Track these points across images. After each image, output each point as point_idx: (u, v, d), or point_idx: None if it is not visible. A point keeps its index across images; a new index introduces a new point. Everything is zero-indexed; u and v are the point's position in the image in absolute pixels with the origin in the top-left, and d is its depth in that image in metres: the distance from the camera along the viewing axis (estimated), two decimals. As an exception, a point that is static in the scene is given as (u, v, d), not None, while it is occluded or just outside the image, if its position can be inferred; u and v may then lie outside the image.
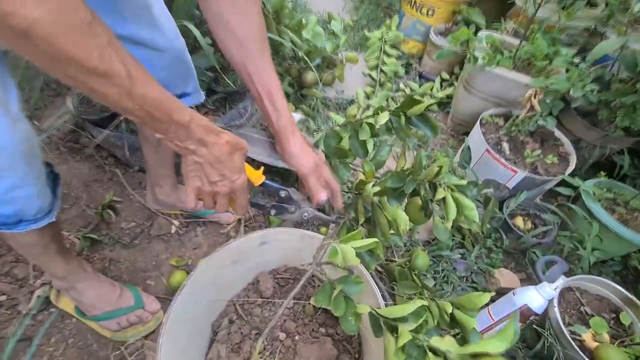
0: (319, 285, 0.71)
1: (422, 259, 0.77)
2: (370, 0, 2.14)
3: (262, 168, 0.59)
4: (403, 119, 0.64)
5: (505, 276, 0.99)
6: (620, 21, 1.21)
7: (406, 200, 0.70)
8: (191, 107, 0.75)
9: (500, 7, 1.59)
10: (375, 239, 0.51)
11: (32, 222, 0.56)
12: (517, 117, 1.11)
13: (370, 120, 0.66)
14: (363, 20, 1.97)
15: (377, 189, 0.62)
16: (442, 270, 1.01)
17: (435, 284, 1.00)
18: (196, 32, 0.82)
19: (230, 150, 0.48)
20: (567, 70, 1.13)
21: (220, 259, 0.62)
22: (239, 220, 1.10)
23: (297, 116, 1.15)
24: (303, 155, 0.65)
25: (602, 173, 1.06)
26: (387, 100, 1.45)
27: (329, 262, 0.51)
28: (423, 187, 0.64)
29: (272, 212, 0.62)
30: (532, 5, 1.15)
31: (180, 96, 0.72)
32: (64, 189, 1.09)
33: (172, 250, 1.03)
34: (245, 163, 0.54)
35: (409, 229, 1.00)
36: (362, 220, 0.67)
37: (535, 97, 1.02)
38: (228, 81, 1.07)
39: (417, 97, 0.67)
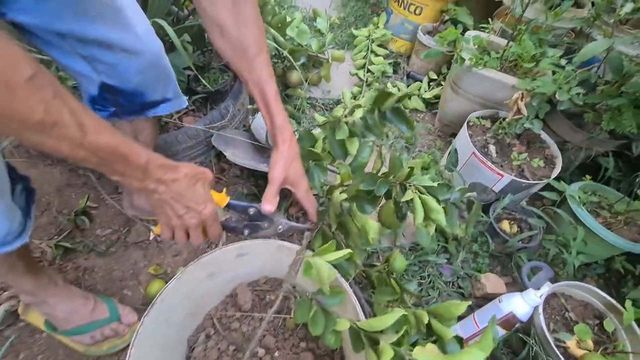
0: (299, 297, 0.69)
1: (399, 260, 0.75)
2: (358, -3, 2.10)
3: (225, 189, 0.58)
4: (377, 114, 0.62)
5: (491, 281, 0.98)
6: (606, 22, 1.20)
7: (380, 203, 0.68)
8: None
9: (488, 6, 1.58)
10: (349, 250, 0.49)
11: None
12: (504, 119, 1.10)
13: (348, 119, 0.64)
14: (350, 17, 1.94)
15: (344, 195, 0.60)
16: (428, 275, 1.00)
17: (421, 290, 0.99)
18: (170, 30, 0.78)
19: (190, 182, 0.48)
20: (553, 73, 1.12)
21: (194, 273, 0.59)
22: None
23: None
24: (279, 162, 0.61)
25: (587, 177, 1.06)
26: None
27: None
28: (395, 189, 0.62)
29: (246, 232, 0.60)
30: (520, 5, 1.13)
31: (160, 102, 0.70)
32: (34, 195, 1.04)
33: (151, 258, 0.99)
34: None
35: (391, 234, 0.98)
36: (334, 227, 0.65)
37: (522, 100, 1.01)
38: (204, 82, 1.03)
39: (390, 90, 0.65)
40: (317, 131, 0.88)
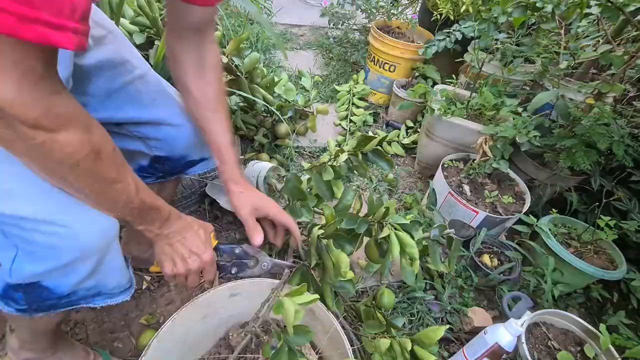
0: (291, 336, 0.71)
1: (387, 296, 0.79)
2: (339, 57, 2.33)
3: (213, 233, 0.63)
4: (360, 156, 0.70)
5: (478, 315, 1.01)
6: (553, 75, 1.38)
7: (362, 241, 0.74)
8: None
9: (453, 63, 1.79)
10: (316, 296, 0.55)
11: (108, 297, 0.58)
12: (474, 161, 1.20)
13: (333, 162, 0.72)
14: (333, 74, 2.14)
15: (321, 231, 0.66)
16: (417, 312, 1.02)
17: (411, 327, 1.00)
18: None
19: (196, 228, 0.57)
20: (513, 118, 1.27)
21: (188, 315, 0.62)
22: (214, 271, 1.09)
23: (268, 164, 1.20)
24: (241, 200, 0.68)
25: (554, 210, 1.15)
26: (356, 147, 1.54)
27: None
28: (373, 227, 0.69)
29: (233, 270, 0.65)
30: (477, 64, 1.31)
31: (199, 161, 0.78)
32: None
33: (143, 307, 0.99)
34: None
35: (376, 271, 1.02)
36: (313, 263, 0.70)
37: (485, 144, 1.12)
38: None
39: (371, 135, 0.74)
40: (304, 177, 0.96)
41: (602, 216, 1.02)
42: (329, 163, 0.78)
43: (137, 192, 0.47)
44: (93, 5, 0.58)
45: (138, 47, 1.09)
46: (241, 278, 0.68)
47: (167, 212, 0.53)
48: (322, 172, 0.78)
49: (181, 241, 0.55)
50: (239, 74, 1.13)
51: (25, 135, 0.35)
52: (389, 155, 1.63)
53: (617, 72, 1.07)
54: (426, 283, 1.10)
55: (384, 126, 1.80)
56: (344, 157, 0.73)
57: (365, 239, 0.80)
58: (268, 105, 1.23)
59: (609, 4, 0.92)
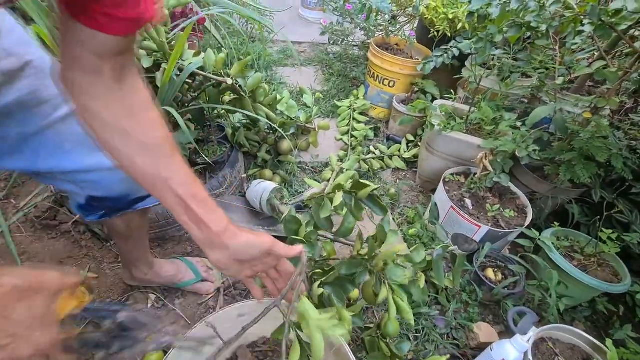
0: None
1: (392, 325, 0.79)
2: (339, 73, 2.38)
3: (84, 286, 0.44)
4: (354, 200, 0.72)
5: (483, 330, 1.00)
6: (550, 89, 1.41)
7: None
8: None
9: (452, 78, 1.82)
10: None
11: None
12: (475, 175, 1.22)
13: (331, 196, 0.73)
14: (333, 90, 2.17)
15: (321, 290, 0.66)
16: (423, 328, 1.02)
17: (417, 344, 1.00)
18: (176, 115, 0.92)
19: (20, 298, 0.35)
20: (512, 133, 1.29)
21: (197, 336, 0.63)
22: (218, 289, 1.09)
23: (272, 185, 1.21)
24: (221, 268, 0.53)
25: (556, 223, 1.16)
26: (358, 162, 1.56)
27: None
28: (373, 277, 0.70)
29: (114, 347, 0.45)
30: (474, 80, 1.34)
31: (147, 196, 0.70)
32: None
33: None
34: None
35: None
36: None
37: (486, 159, 1.14)
38: (202, 155, 1.16)
39: (365, 181, 0.75)
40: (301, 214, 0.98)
41: (603, 229, 1.03)
42: (327, 198, 0.79)
43: None
44: (7, 27, 0.50)
45: (145, 70, 1.12)
46: (130, 355, 0.47)
47: None
48: (321, 207, 0.79)
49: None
50: (242, 93, 1.16)
51: None
52: (391, 171, 1.65)
53: (612, 86, 1.10)
54: (431, 298, 1.10)
55: (385, 140, 1.82)
56: (339, 198, 0.74)
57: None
58: (271, 123, 1.26)
59: (601, 22, 0.95)
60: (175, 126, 1.26)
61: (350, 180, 0.78)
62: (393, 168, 1.66)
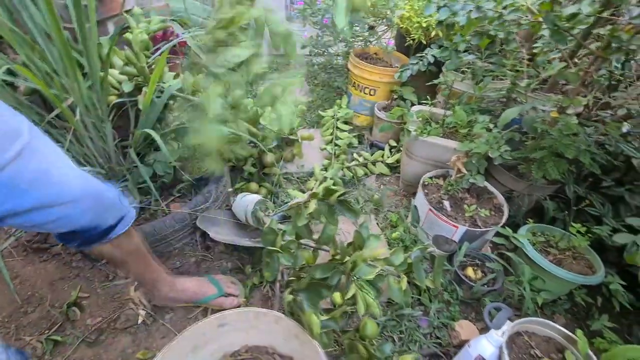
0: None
1: (370, 327, 0.82)
2: (323, 83, 2.44)
3: None
4: (326, 207, 0.75)
5: (465, 328, 1.03)
6: (521, 90, 1.46)
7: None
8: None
9: (430, 83, 1.88)
10: None
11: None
12: (452, 177, 1.26)
13: (308, 205, 0.77)
14: (318, 100, 2.23)
15: (290, 297, 0.69)
16: (406, 329, 1.05)
17: (402, 344, 1.03)
18: (156, 137, 0.96)
19: None
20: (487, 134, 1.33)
21: (179, 347, 0.66)
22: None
23: (256, 197, 1.25)
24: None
25: (530, 220, 1.20)
26: (342, 169, 1.60)
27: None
28: (342, 279, 0.74)
29: None
30: (447, 86, 1.39)
31: (118, 222, 0.74)
32: (28, 291, 1.10)
33: (139, 342, 1.02)
34: None
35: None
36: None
37: (459, 161, 1.18)
38: (183, 173, 1.20)
39: (335, 186, 0.79)
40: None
41: (573, 223, 1.07)
42: (303, 208, 0.83)
43: None
44: None
45: (127, 94, 1.17)
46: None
47: None
48: (297, 217, 0.83)
49: None
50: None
51: None
52: (375, 177, 1.69)
53: (575, 86, 1.15)
54: (414, 299, 1.13)
55: (369, 147, 1.87)
56: (313, 204, 0.78)
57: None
58: (252, 139, 1.30)
59: (556, 27, 1.00)
60: (157, 147, 1.31)
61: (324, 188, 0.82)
62: (377, 174, 1.70)
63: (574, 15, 1.05)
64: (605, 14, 1.04)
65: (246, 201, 1.26)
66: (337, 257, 0.81)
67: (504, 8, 1.07)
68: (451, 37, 1.37)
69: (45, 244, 1.17)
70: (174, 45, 1.47)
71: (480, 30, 1.10)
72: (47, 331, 1.01)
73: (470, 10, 1.14)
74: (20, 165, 0.52)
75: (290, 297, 0.68)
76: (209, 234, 1.17)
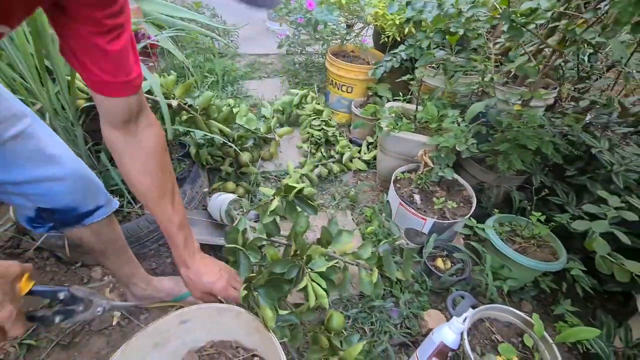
0: (244, 358, 0.76)
1: (335, 319, 0.84)
2: (304, 82, 2.45)
3: (28, 274, 0.52)
4: (286, 202, 0.78)
5: (433, 317, 1.06)
6: (489, 84, 1.50)
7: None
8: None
9: (405, 79, 1.90)
10: None
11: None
12: (421, 171, 1.29)
13: (273, 203, 0.79)
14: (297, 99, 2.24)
15: (245, 292, 0.71)
16: (377, 320, 1.08)
17: (373, 335, 1.06)
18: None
19: None
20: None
21: (138, 345, 0.67)
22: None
23: (230, 196, 1.27)
24: (189, 287, 0.75)
25: (496, 210, 1.23)
26: (317, 167, 1.62)
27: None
28: (301, 273, 0.76)
29: (57, 319, 0.57)
30: (416, 83, 1.41)
31: (94, 210, 0.79)
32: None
33: (114, 344, 1.03)
34: None
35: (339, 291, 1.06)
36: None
37: (425, 155, 1.21)
38: None
39: (293, 184, 0.81)
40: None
41: (533, 212, 1.10)
42: (270, 206, 0.85)
43: None
44: None
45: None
46: (71, 324, 0.63)
47: None
48: (262, 215, 0.85)
49: None
50: (193, 113, 1.21)
51: None
52: (352, 172, 1.72)
53: (535, 80, 1.18)
54: (386, 291, 1.15)
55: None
56: (275, 203, 0.80)
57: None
58: (224, 139, 1.32)
59: (513, 23, 1.03)
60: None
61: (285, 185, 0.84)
62: (354, 170, 1.73)
63: (533, 11, 1.09)
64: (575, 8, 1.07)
65: (220, 200, 1.28)
66: (298, 252, 0.83)
67: (472, 3, 1.09)
68: (412, 36, 1.40)
69: (18, 249, 1.18)
70: (146, 47, 1.48)
71: (442, 27, 1.13)
72: (20, 335, 1.01)
73: (431, 9, 1.17)
74: (21, 143, 0.62)
75: (244, 292, 0.70)
76: (183, 234, 1.18)
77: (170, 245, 0.74)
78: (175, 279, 1.09)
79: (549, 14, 1.11)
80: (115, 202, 0.86)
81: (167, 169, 0.71)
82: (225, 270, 0.80)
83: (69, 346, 1.01)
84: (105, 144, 0.66)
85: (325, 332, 0.87)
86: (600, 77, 1.70)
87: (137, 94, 0.61)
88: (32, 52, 0.94)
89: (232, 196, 1.28)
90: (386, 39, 1.90)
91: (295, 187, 0.79)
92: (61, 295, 0.58)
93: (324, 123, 1.77)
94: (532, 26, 1.05)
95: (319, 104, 1.98)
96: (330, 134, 1.74)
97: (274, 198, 0.86)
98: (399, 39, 1.87)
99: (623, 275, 0.94)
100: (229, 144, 1.32)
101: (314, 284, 0.72)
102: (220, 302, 0.75)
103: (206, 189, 1.41)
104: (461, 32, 1.09)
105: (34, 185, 0.66)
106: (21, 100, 0.97)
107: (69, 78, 1.04)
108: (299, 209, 0.85)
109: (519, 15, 1.05)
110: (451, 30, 1.09)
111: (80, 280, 1.16)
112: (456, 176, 1.34)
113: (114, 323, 1.07)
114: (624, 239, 0.93)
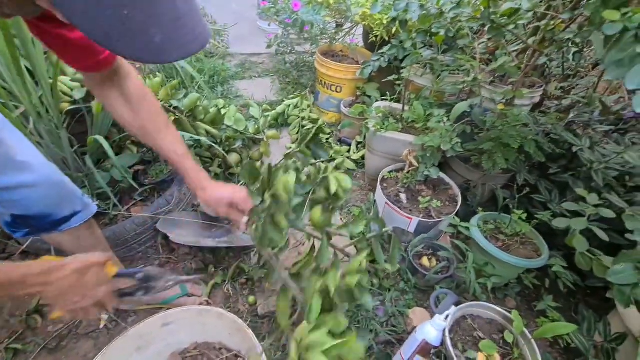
0: (227, 358, 0.77)
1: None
2: (294, 82, 2.45)
3: (110, 262, 0.64)
4: (304, 147, 0.79)
5: (417, 315, 1.08)
6: (475, 84, 1.51)
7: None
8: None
9: (393, 79, 1.91)
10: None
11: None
12: (406, 171, 1.30)
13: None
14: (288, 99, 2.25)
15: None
16: (363, 319, 1.09)
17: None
18: (105, 144, 0.97)
19: (80, 275, 0.57)
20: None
21: (120, 348, 0.68)
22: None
23: None
24: (212, 204, 0.78)
25: (480, 209, 1.25)
26: (306, 167, 1.62)
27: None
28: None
29: (139, 294, 0.68)
30: (403, 84, 1.42)
31: (71, 216, 0.79)
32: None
33: (101, 347, 1.02)
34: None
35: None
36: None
37: (410, 155, 1.22)
38: (135, 179, 1.20)
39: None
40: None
41: (515, 210, 1.12)
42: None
43: None
44: None
45: (78, 101, 1.17)
46: (148, 299, 0.73)
47: (14, 276, 0.52)
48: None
49: (67, 291, 0.56)
50: (178, 115, 1.21)
51: None
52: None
53: (517, 79, 1.19)
54: (372, 291, 1.17)
55: (336, 143, 1.90)
56: (296, 148, 0.82)
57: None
58: (211, 141, 1.32)
59: (493, 23, 1.04)
60: (120, 149, 1.31)
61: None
62: (343, 170, 1.74)
63: (515, 11, 1.10)
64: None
65: None
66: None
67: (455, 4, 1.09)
68: (408, 32, 1.40)
69: (4, 253, 1.17)
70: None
71: (424, 28, 1.14)
72: (6, 340, 1.01)
73: (415, 9, 1.18)
74: None
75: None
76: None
77: (181, 174, 0.77)
78: None
79: (530, 14, 1.13)
80: (94, 207, 0.86)
81: (156, 109, 0.75)
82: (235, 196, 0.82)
83: (55, 350, 1.01)
84: (96, 98, 0.75)
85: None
86: (586, 76, 1.72)
87: (114, 64, 0.67)
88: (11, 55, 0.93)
89: None
90: (374, 38, 1.90)
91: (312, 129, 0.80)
92: (139, 275, 0.68)
93: (320, 131, 1.77)
94: (512, 26, 1.06)
95: (312, 112, 1.99)
96: (324, 140, 1.75)
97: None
98: (387, 39, 1.87)
99: (601, 270, 0.95)
100: (215, 146, 1.32)
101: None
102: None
103: (194, 191, 1.41)
104: (442, 32, 1.10)
105: (5, 192, 0.67)
106: (2, 104, 0.97)
107: (52, 81, 1.04)
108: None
109: (499, 15, 1.06)
110: (432, 30, 1.10)
111: (67, 283, 1.16)
112: (442, 175, 1.36)
113: (102, 326, 1.07)
114: (602, 235, 0.95)
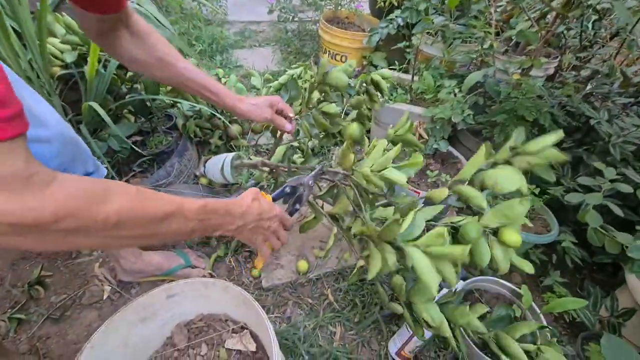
0: (233, 330, 0.76)
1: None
2: (296, 51, 2.35)
3: (262, 192, 0.70)
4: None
5: (423, 289, 1.07)
6: (488, 53, 1.43)
7: None
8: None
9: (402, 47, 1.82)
10: None
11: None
12: (415, 144, 1.26)
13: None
14: (290, 69, 2.16)
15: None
16: (369, 293, 1.08)
17: (364, 306, 1.06)
18: (101, 111, 0.91)
19: (259, 203, 0.63)
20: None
21: (124, 319, 0.66)
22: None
23: (230, 154, 1.20)
24: (256, 111, 0.82)
25: (490, 183, 1.21)
26: (310, 140, 1.58)
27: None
28: None
29: (297, 206, 0.77)
30: (413, 55, 1.35)
31: (84, 176, 0.77)
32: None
33: (105, 317, 1.03)
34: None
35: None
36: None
37: (420, 127, 1.17)
38: (135, 148, 1.15)
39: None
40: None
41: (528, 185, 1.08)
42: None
43: (186, 216, 0.49)
44: None
45: (70, 65, 1.10)
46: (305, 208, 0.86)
47: (223, 209, 0.56)
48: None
49: (258, 218, 0.62)
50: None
51: (57, 234, 0.38)
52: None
53: (536, 46, 1.13)
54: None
55: (342, 115, 1.83)
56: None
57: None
58: (212, 110, 1.26)
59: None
60: (116, 118, 1.26)
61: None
62: (348, 143, 1.69)
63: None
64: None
65: (219, 159, 1.21)
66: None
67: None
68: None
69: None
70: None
71: (440, -13, 1.05)
72: (10, 310, 1.01)
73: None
74: None
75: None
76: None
77: (213, 96, 0.79)
78: (165, 254, 1.08)
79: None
80: (104, 170, 0.84)
81: (165, 40, 0.75)
82: (273, 102, 0.88)
83: (59, 320, 1.01)
84: (105, 47, 0.71)
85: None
86: (603, 46, 1.64)
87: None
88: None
89: (230, 154, 1.22)
90: (382, 3, 1.80)
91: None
92: (287, 190, 0.75)
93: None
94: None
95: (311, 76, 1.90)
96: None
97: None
98: (396, 4, 1.77)
99: (614, 247, 0.94)
100: (217, 115, 1.26)
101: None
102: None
103: (203, 157, 1.37)
104: (461, -7, 1.02)
105: None
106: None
107: (41, 42, 0.97)
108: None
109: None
110: (450, -10, 1.02)
111: (68, 255, 1.15)
112: (451, 148, 1.31)
113: (105, 297, 1.07)
114: (618, 211, 0.93)
